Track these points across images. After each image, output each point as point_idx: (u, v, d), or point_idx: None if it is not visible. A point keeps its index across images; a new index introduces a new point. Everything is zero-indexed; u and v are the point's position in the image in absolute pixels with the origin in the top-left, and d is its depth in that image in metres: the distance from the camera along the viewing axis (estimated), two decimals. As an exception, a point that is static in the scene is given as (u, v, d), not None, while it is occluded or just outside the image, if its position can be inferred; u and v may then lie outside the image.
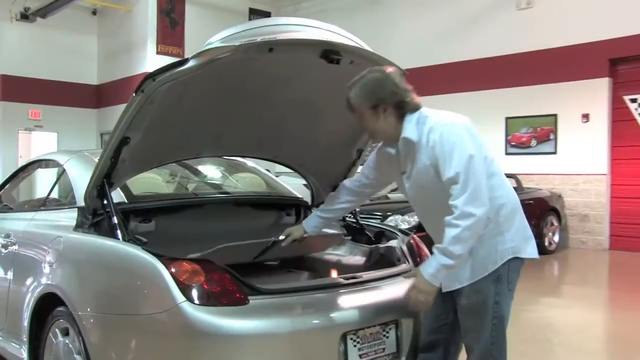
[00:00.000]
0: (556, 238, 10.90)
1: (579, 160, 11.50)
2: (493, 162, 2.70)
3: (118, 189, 3.33)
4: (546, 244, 10.65)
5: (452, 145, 2.55)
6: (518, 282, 2.79)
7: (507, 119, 12.44)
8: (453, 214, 2.51)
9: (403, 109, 2.69)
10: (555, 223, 10.87)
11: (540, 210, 10.55)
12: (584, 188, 11.48)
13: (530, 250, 2.76)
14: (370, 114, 2.73)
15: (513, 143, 12.41)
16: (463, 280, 2.73)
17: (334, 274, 3.66)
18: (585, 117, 11.43)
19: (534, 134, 12.13)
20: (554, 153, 11.85)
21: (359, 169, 3.53)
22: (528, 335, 5.33)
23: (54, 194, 4.18)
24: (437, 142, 2.58)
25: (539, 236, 10.45)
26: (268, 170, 4.78)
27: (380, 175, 3.10)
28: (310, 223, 3.31)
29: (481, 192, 2.51)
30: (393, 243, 3.60)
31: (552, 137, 11.87)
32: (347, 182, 3.29)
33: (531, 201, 10.45)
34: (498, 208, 2.66)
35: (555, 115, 11.82)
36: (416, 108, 2.71)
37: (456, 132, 2.59)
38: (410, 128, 2.67)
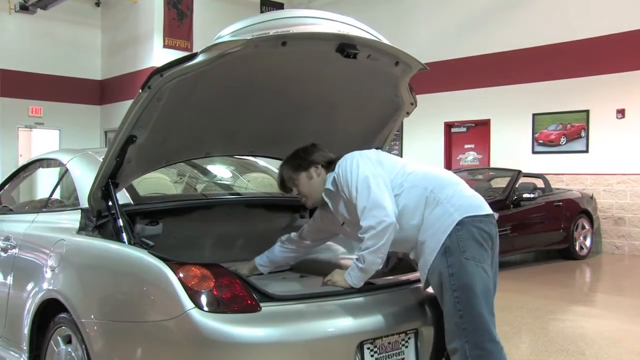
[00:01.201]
0: (588, 242, 10.83)
1: (613, 159, 11.42)
2: (405, 166, 3.09)
3: (124, 189, 3.35)
4: (577, 248, 10.58)
5: (346, 178, 3.02)
6: (481, 247, 2.88)
7: (534, 115, 12.38)
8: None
9: (333, 164, 3.17)
10: (587, 226, 10.80)
11: (571, 213, 10.49)
12: (618, 189, 11.40)
13: (482, 207, 2.95)
14: (305, 176, 3.20)
15: (541, 141, 12.35)
16: (426, 263, 2.94)
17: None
18: (621, 112, 11.35)
19: (563, 131, 12.06)
20: (586, 151, 11.79)
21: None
22: (557, 347, 5.31)
23: (56, 195, 4.22)
24: (342, 178, 3.04)
25: (569, 240, 10.40)
26: (281, 170, 4.80)
27: (319, 232, 3.55)
28: (260, 261, 3.61)
29: (377, 203, 2.88)
30: (412, 247, 3.61)
31: (583, 134, 11.80)
32: (294, 235, 3.62)
33: (560, 203, 10.40)
34: (428, 195, 2.95)
35: (587, 111, 11.75)
36: (337, 160, 3.17)
37: (348, 165, 3.05)
38: (330, 178, 3.15)
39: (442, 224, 2.87)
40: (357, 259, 2.94)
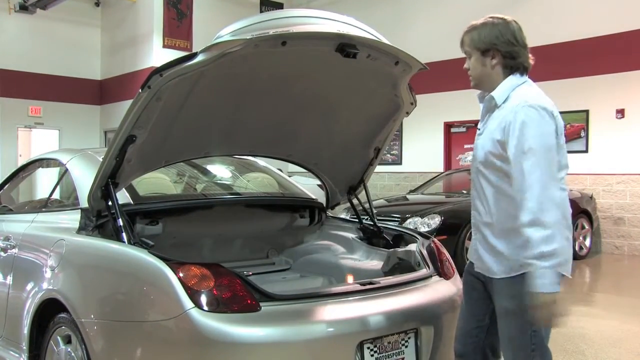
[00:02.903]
0: (587, 242, 10.81)
1: (612, 159, 11.41)
2: (565, 169, 2.66)
3: (123, 189, 3.35)
4: (577, 248, 10.56)
5: (529, 131, 2.51)
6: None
7: (534, 115, 12.37)
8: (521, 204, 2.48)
9: (512, 60, 2.69)
10: (587, 226, 10.79)
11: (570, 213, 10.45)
12: (618, 189, 11.39)
13: (569, 269, 2.65)
14: (479, 58, 2.74)
15: (541, 141, 12.32)
16: (496, 271, 2.69)
17: (350, 279, 3.67)
18: (620, 112, 11.34)
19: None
20: (585, 151, 11.77)
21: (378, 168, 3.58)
22: (557, 347, 5.30)
23: (56, 195, 4.22)
24: (516, 120, 2.55)
25: (569, 240, 10.36)
26: (280, 170, 4.81)
27: None
28: None
29: (548, 183, 2.47)
30: (412, 247, 3.61)
31: (583, 134, 11.79)
32: None
33: (560, 203, 10.37)
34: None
35: (586, 111, 11.74)
36: (525, 69, 2.72)
37: (540, 120, 2.54)
38: (503, 89, 2.68)
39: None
40: (540, 259, 2.44)
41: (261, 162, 4.69)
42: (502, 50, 2.68)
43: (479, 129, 2.79)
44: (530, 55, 2.75)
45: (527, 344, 2.68)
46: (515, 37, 2.70)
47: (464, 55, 2.85)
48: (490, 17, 2.76)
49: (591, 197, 11.17)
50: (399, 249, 3.68)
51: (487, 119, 2.73)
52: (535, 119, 2.53)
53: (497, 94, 2.68)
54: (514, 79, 2.69)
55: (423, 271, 3.36)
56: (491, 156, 2.64)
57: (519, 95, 2.63)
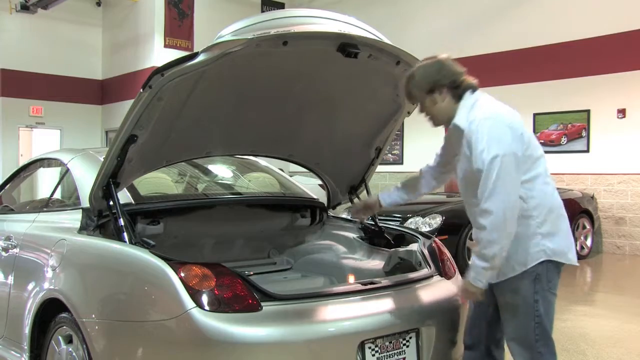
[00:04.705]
0: (589, 242, 10.81)
1: (613, 158, 11.40)
2: (539, 161, 2.85)
3: (125, 189, 3.36)
4: (578, 248, 10.57)
5: (484, 140, 2.70)
6: (558, 284, 2.93)
7: (535, 115, 12.36)
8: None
9: (458, 88, 2.87)
10: (588, 226, 10.79)
11: (571, 213, 10.46)
12: (619, 188, 11.39)
13: (570, 257, 2.91)
14: (429, 99, 2.90)
15: (541, 141, 12.31)
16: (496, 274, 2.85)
17: (351, 279, 3.67)
18: (622, 112, 11.33)
19: (564, 131, 12.05)
20: (586, 151, 11.77)
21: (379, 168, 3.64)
22: (558, 346, 5.24)
23: (57, 195, 4.22)
24: (473, 133, 2.75)
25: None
26: (282, 170, 4.81)
27: (448, 157, 3.23)
28: (387, 198, 3.48)
29: (502, 189, 2.65)
30: (413, 247, 3.61)
31: (584, 134, 11.79)
32: (426, 167, 3.54)
33: (561, 203, 10.38)
34: (532, 209, 2.79)
35: (587, 111, 11.73)
36: (472, 88, 2.89)
37: (492, 127, 2.72)
38: (462, 114, 2.84)
39: (530, 252, 2.81)
40: (480, 259, 2.74)
41: (262, 162, 4.69)
42: (445, 83, 2.86)
43: (457, 154, 2.95)
44: (468, 75, 2.91)
45: (532, 335, 2.86)
46: (450, 69, 2.88)
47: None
48: (422, 61, 2.97)
49: (592, 197, 11.16)
50: (400, 249, 3.68)
51: (460, 144, 2.86)
52: (488, 129, 2.71)
53: (459, 121, 2.84)
54: (466, 102, 2.85)
55: (424, 271, 3.36)
56: (470, 173, 2.81)
57: (475, 113, 2.79)
